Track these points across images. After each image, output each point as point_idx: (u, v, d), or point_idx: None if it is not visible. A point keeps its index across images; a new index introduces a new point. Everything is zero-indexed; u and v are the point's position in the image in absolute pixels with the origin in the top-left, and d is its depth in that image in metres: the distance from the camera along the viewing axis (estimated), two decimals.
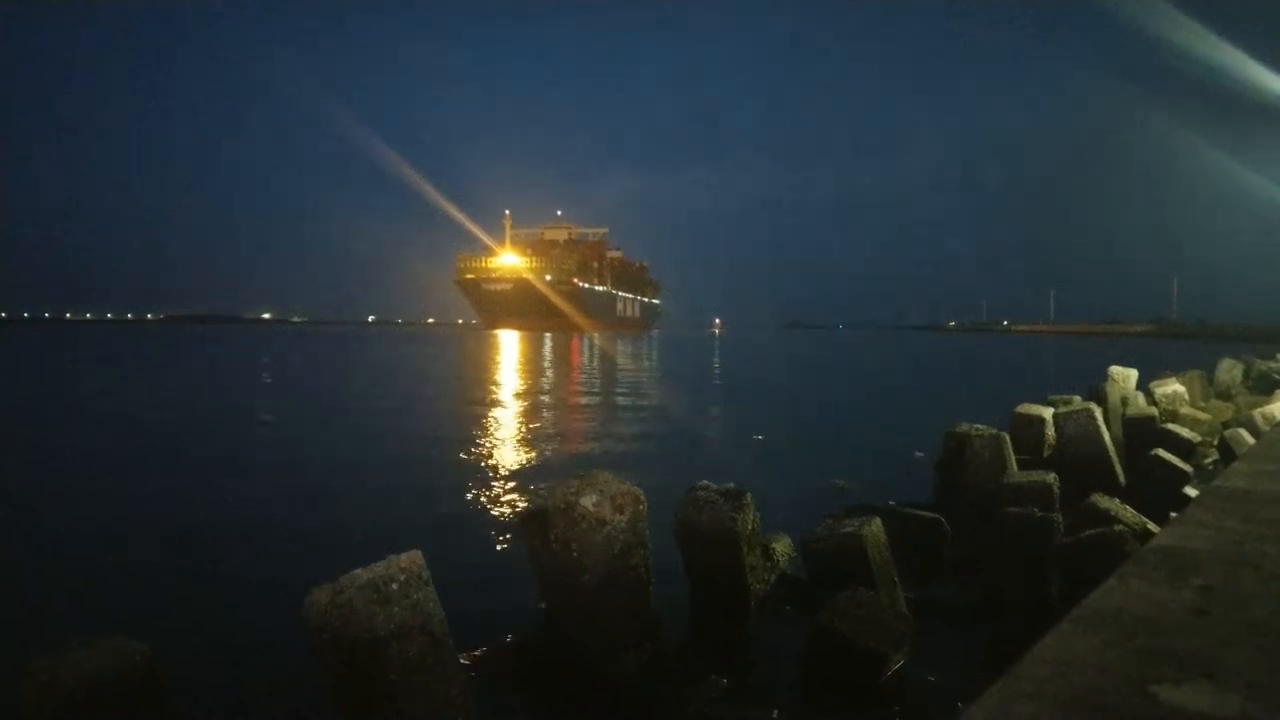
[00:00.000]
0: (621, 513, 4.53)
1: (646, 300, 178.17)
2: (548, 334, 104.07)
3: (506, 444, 14.61)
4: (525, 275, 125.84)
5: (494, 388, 27.98)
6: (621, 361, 46.53)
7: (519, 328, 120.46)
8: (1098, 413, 9.10)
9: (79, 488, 10.71)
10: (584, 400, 24.44)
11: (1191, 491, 7.93)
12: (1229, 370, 16.69)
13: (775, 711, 4.34)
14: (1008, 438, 8.10)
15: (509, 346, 66.34)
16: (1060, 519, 5.99)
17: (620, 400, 24.18)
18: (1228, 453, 10.07)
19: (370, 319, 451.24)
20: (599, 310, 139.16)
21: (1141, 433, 10.26)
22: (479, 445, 14.32)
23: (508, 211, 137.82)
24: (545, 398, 24.75)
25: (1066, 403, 10.33)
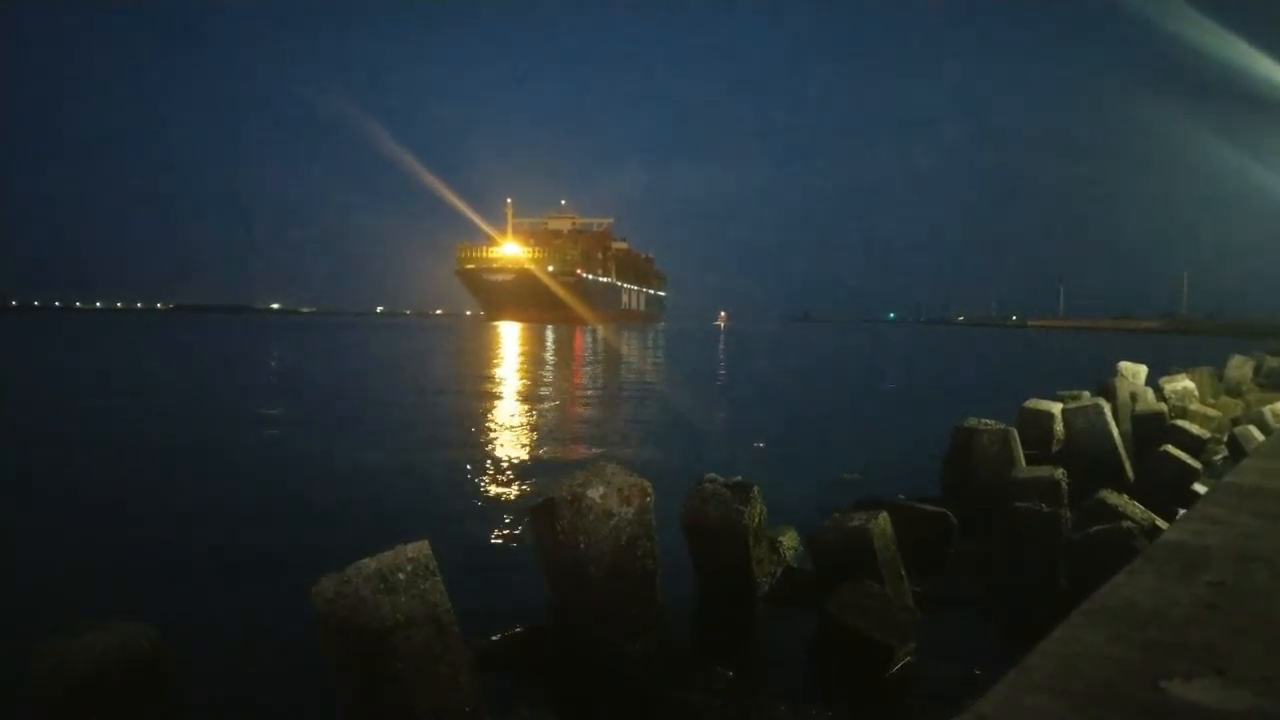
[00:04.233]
0: (629, 504, 4.53)
1: (652, 292, 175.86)
2: (549, 326, 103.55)
3: (513, 435, 14.62)
4: (527, 265, 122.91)
5: (498, 380, 28.00)
6: (626, 354, 46.50)
7: (521, 319, 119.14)
8: (1106, 408, 9.06)
9: (86, 472, 10.77)
10: (590, 393, 24.45)
11: (1200, 488, 7.88)
12: (1239, 367, 16.59)
13: (781, 703, 4.33)
14: (1016, 433, 8.07)
15: (509, 338, 66.32)
16: (1068, 514, 5.98)
17: (626, 393, 24.18)
18: (1237, 449, 10.02)
19: (379, 309, 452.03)
20: (603, 302, 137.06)
21: (1150, 429, 10.21)
22: (486, 436, 14.34)
23: (509, 199, 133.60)
24: (550, 390, 24.76)
25: (1075, 398, 10.29)
